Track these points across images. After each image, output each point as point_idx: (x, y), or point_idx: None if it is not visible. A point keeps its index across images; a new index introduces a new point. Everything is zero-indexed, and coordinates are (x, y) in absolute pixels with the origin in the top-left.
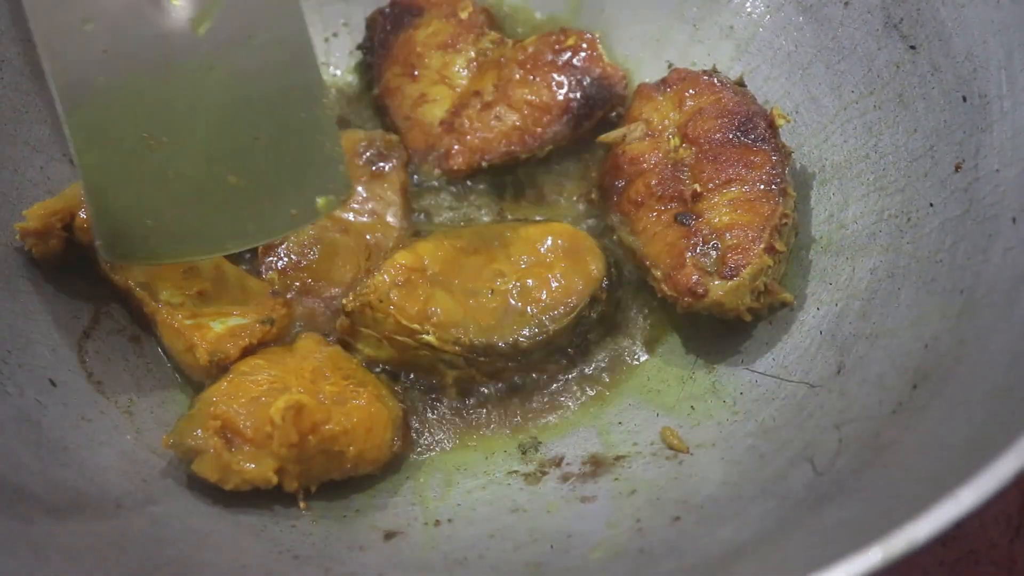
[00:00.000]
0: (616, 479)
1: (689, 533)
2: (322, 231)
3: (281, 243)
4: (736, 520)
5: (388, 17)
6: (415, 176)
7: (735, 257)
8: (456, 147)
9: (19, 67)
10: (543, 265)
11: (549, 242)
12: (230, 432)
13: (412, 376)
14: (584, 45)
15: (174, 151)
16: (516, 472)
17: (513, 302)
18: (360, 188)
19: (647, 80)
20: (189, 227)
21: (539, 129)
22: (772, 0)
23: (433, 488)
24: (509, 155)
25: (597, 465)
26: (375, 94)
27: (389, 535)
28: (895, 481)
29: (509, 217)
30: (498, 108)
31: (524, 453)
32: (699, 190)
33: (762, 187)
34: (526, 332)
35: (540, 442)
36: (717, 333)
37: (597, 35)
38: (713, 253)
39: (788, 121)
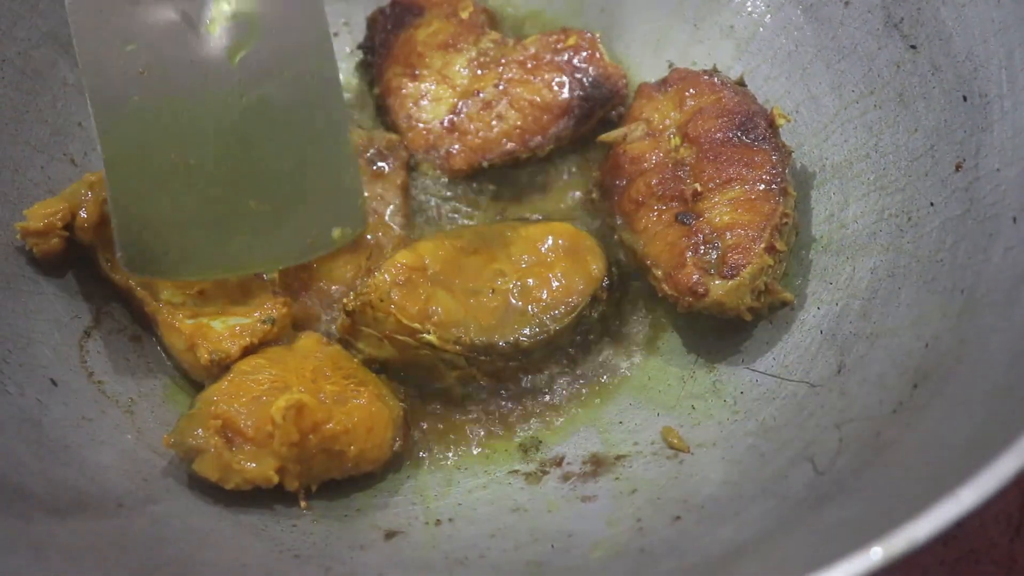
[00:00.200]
0: (617, 478)
1: (690, 532)
2: None
3: None
4: (737, 519)
5: (389, 16)
6: (415, 176)
7: (735, 257)
8: (457, 147)
9: (20, 67)
10: (544, 265)
11: (550, 242)
12: (231, 431)
13: (413, 375)
14: (585, 45)
15: (200, 173)
16: (517, 471)
17: (514, 301)
18: None
19: (647, 80)
20: (208, 247)
21: (540, 129)
22: (772, 0)
23: (434, 487)
24: (510, 155)
25: (598, 465)
26: (376, 93)
27: (390, 534)
28: (896, 480)
29: (510, 217)
30: (499, 108)
31: (525, 452)
32: (700, 189)
33: (762, 186)
34: (527, 331)
35: (541, 441)
36: (718, 333)
37: (598, 35)
38: (714, 252)
39: (788, 121)
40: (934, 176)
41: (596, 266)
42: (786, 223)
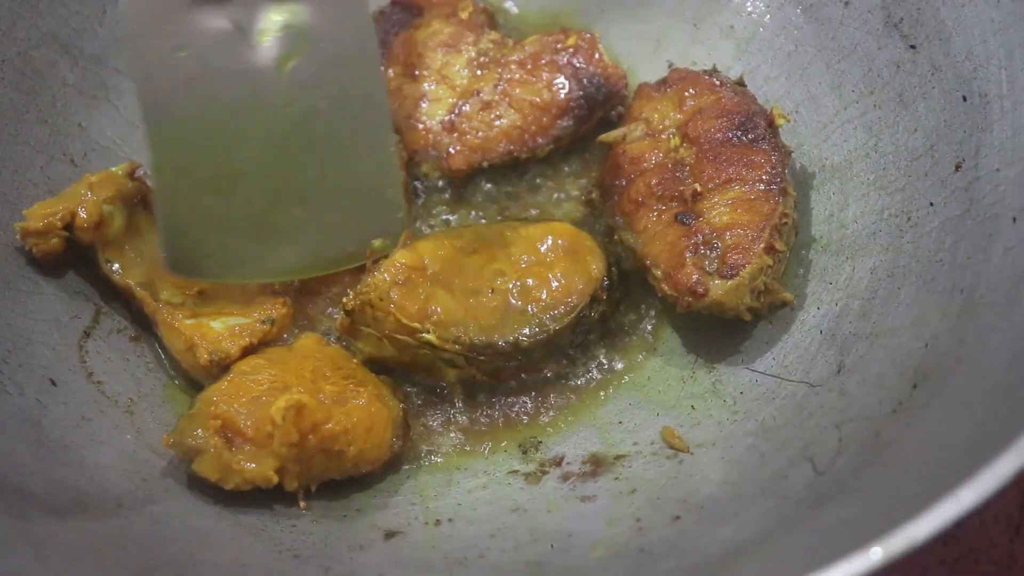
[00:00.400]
0: (616, 478)
1: (689, 532)
2: None
3: None
4: (736, 519)
5: (388, 17)
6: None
7: (735, 257)
8: (456, 147)
9: (20, 67)
10: (543, 264)
11: (549, 241)
12: (230, 431)
13: (412, 375)
14: (584, 45)
15: (245, 179)
16: (516, 472)
17: (513, 301)
18: None
19: (647, 80)
20: (250, 252)
21: (539, 129)
22: (772, 0)
23: (433, 487)
24: (509, 155)
25: (597, 464)
26: None
27: (389, 534)
28: (895, 480)
29: (509, 217)
30: (498, 108)
31: (524, 453)
32: (699, 189)
33: (762, 187)
34: (526, 331)
35: (540, 441)
36: (717, 333)
37: (597, 35)
38: (713, 253)
39: (788, 121)
40: (934, 176)
41: (596, 266)
42: (786, 223)
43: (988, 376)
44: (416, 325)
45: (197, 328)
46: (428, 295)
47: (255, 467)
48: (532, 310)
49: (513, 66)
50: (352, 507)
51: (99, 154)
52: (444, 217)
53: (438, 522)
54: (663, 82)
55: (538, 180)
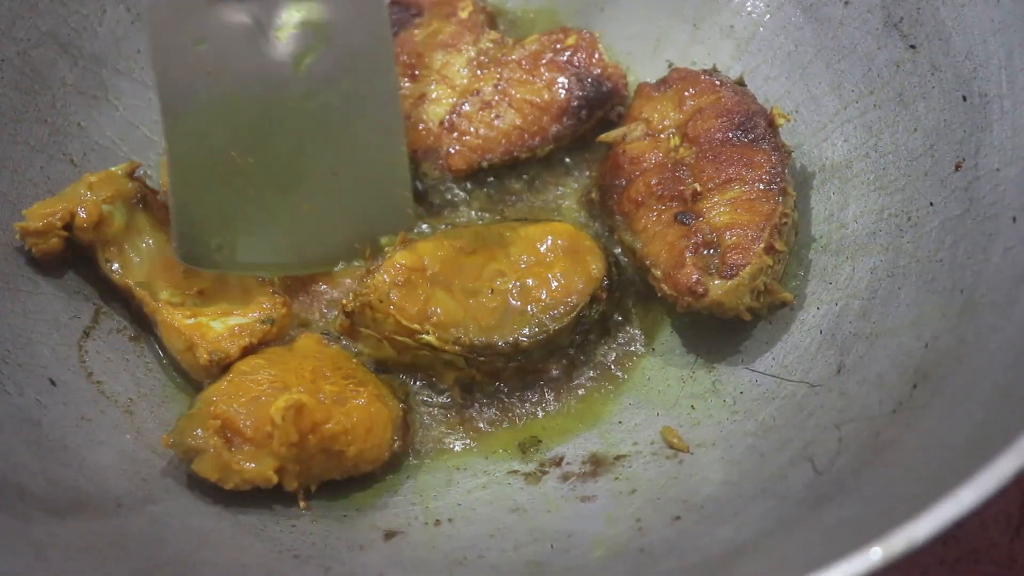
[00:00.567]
0: (616, 478)
1: (689, 532)
2: None
3: None
4: (736, 519)
5: (388, 17)
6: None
7: (735, 256)
8: (456, 147)
9: (19, 66)
10: (543, 265)
11: (549, 241)
12: (230, 431)
13: (412, 376)
14: (584, 44)
15: (257, 171)
16: (516, 472)
17: (513, 301)
18: None
19: (647, 79)
20: (261, 245)
21: (539, 128)
22: (772, 0)
23: (433, 487)
24: (509, 155)
25: (597, 464)
26: None
27: (389, 534)
28: (895, 480)
29: (509, 217)
30: (498, 108)
31: (524, 453)
32: (699, 189)
33: (762, 186)
34: (526, 331)
35: (540, 441)
36: (717, 333)
37: (597, 34)
38: (713, 252)
39: (788, 120)
40: (934, 176)
41: (595, 266)
42: (785, 223)
43: (988, 376)
44: (416, 326)
45: (197, 328)
46: (428, 296)
47: (255, 467)
48: (532, 310)
49: (513, 66)
50: (352, 507)
51: (98, 154)
52: (444, 217)
53: (438, 522)
54: (663, 82)
55: (538, 180)
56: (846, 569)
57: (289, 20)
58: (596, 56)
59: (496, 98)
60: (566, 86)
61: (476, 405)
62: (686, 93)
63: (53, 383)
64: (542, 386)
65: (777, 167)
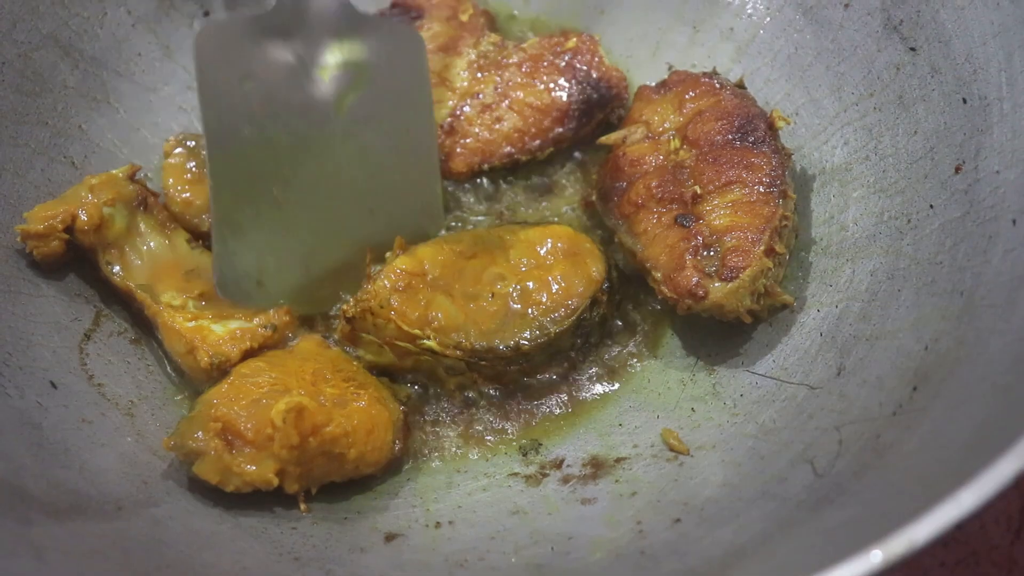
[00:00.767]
0: (617, 481)
1: (690, 535)
2: None
3: None
4: (737, 522)
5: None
6: None
7: (735, 259)
8: (457, 150)
9: (20, 69)
10: (543, 267)
11: (549, 244)
12: (231, 434)
13: (413, 379)
14: (584, 47)
15: (296, 210)
16: (517, 474)
17: (514, 305)
18: None
19: (647, 82)
20: (299, 283)
21: (540, 131)
22: (772, 2)
23: (434, 490)
24: (510, 157)
25: (598, 467)
26: None
27: (390, 537)
28: (895, 483)
29: (509, 220)
30: (499, 110)
31: (525, 455)
32: (699, 192)
33: (762, 189)
34: (527, 335)
35: (541, 444)
36: (717, 335)
37: (597, 37)
38: (713, 255)
39: (788, 123)
40: (934, 178)
41: (596, 268)
42: (786, 226)
43: (988, 378)
44: (417, 332)
45: (198, 331)
46: (428, 301)
47: (255, 469)
48: (532, 313)
49: (513, 69)
50: (352, 509)
51: (99, 156)
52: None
53: (438, 524)
54: (663, 84)
55: (538, 183)
56: (846, 571)
57: (332, 60)
58: (596, 59)
59: (496, 101)
60: (566, 89)
61: (476, 408)
62: (686, 96)
63: (54, 386)
64: (542, 388)
65: (777, 170)
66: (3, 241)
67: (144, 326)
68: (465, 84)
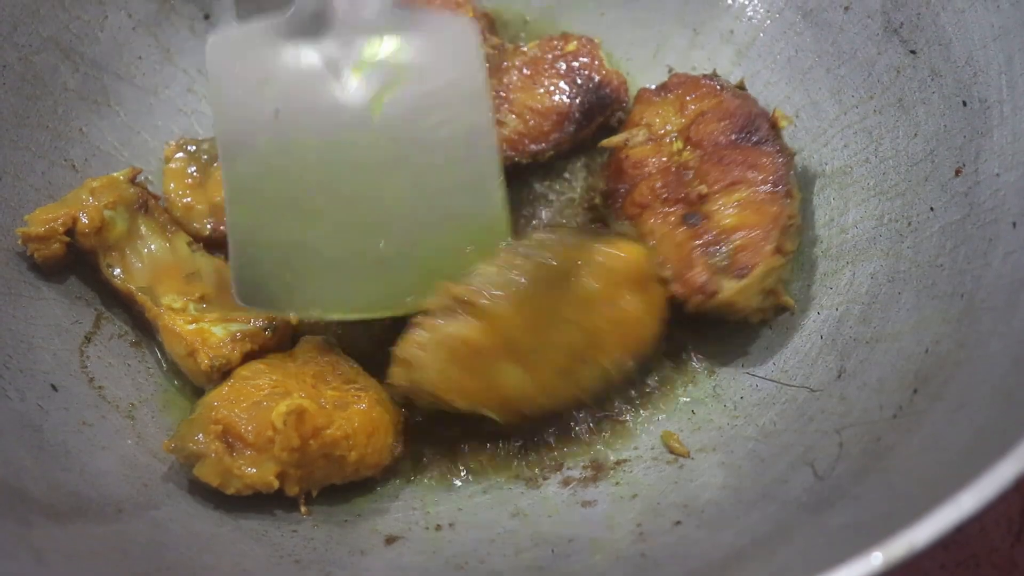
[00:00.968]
0: (617, 483)
1: (690, 537)
2: None
3: None
4: (737, 524)
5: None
6: None
7: (745, 257)
8: None
9: (21, 72)
10: (614, 305)
11: (620, 269)
12: (231, 436)
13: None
14: (584, 50)
15: (326, 215)
16: (517, 476)
17: (580, 360)
18: None
19: (647, 85)
20: (327, 289)
21: (540, 134)
22: (772, 4)
23: (434, 492)
24: (510, 161)
25: (598, 470)
26: None
27: (390, 539)
28: (896, 485)
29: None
30: (499, 114)
31: (525, 458)
32: (705, 192)
33: (768, 188)
34: (588, 386)
35: (541, 446)
36: (718, 337)
37: (597, 40)
38: (723, 253)
39: (790, 122)
40: (934, 181)
41: (661, 306)
42: (792, 224)
43: (988, 381)
44: (475, 408)
45: (198, 333)
46: (492, 372)
47: (256, 472)
48: (599, 362)
49: (514, 72)
50: (353, 512)
51: (100, 159)
52: None
53: (439, 527)
54: (663, 87)
55: (538, 185)
56: (847, 573)
57: (366, 58)
58: (596, 62)
59: (497, 104)
60: (567, 92)
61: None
62: (687, 98)
63: (54, 388)
64: None
65: (782, 169)
66: (4, 244)
67: (145, 329)
68: None
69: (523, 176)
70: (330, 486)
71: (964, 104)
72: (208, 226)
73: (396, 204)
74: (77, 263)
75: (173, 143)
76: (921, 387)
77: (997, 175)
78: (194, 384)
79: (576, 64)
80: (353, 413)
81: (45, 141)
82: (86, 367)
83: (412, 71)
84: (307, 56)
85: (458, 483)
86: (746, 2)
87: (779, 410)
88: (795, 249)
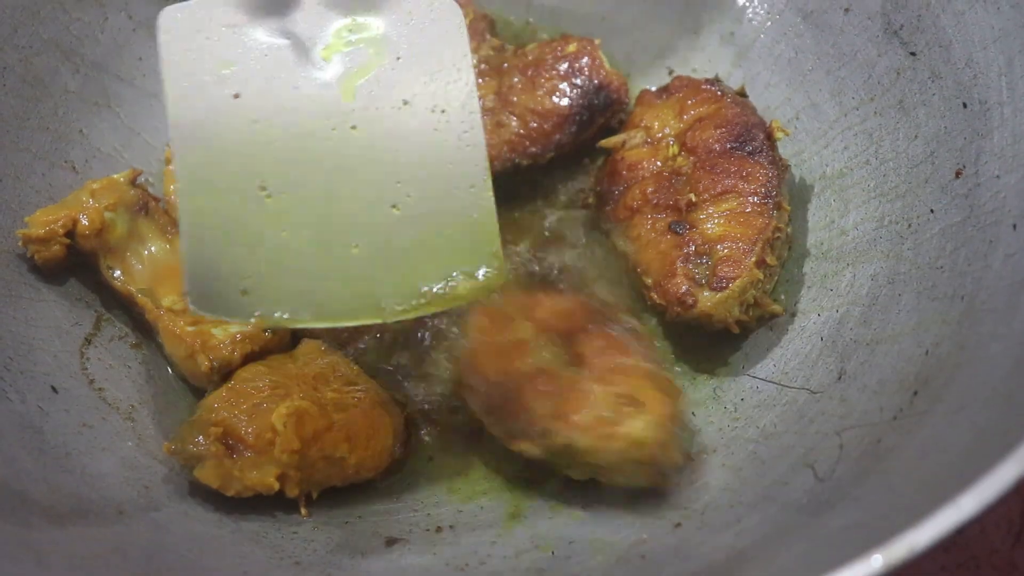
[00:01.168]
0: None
1: (690, 539)
2: None
3: None
4: (737, 526)
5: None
6: None
7: (726, 269)
8: None
9: (21, 74)
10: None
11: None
12: (232, 438)
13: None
14: (585, 52)
15: (291, 208)
16: (517, 477)
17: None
18: None
19: (648, 87)
20: (294, 292)
21: (541, 136)
22: (773, 6)
23: (435, 494)
24: (511, 162)
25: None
26: None
27: (391, 541)
28: (896, 487)
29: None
30: (500, 115)
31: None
32: (694, 199)
33: (757, 200)
34: None
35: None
36: (718, 340)
37: (598, 42)
38: (705, 263)
39: (787, 134)
40: (934, 183)
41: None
42: (779, 237)
43: (989, 383)
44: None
45: (198, 335)
46: None
47: (256, 474)
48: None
49: (514, 73)
50: (353, 514)
51: (100, 161)
52: None
53: (439, 529)
54: (665, 90)
55: (539, 187)
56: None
57: (337, 38)
58: (597, 64)
59: (498, 106)
60: (567, 94)
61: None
62: (688, 102)
63: (55, 390)
64: None
65: (773, 181)
66: (4, 245)
67: (145, 330)
68: None
69: (523, 177)
70: (330, 488)
71: (964, 106)
72: None
73: (370, 200)
74: (77, 265)
75: None
76: (921, 389)
77: (997, 177)
78: (194, 386)
79: (577, 66)
80: (353, 415)
81: (45, 143)
82: (86, 369)
83: (388, 53)
84: (272, 34)
85: (459, 485)
86: (746, 4)
87: (779, 412)
88: (781, 262)
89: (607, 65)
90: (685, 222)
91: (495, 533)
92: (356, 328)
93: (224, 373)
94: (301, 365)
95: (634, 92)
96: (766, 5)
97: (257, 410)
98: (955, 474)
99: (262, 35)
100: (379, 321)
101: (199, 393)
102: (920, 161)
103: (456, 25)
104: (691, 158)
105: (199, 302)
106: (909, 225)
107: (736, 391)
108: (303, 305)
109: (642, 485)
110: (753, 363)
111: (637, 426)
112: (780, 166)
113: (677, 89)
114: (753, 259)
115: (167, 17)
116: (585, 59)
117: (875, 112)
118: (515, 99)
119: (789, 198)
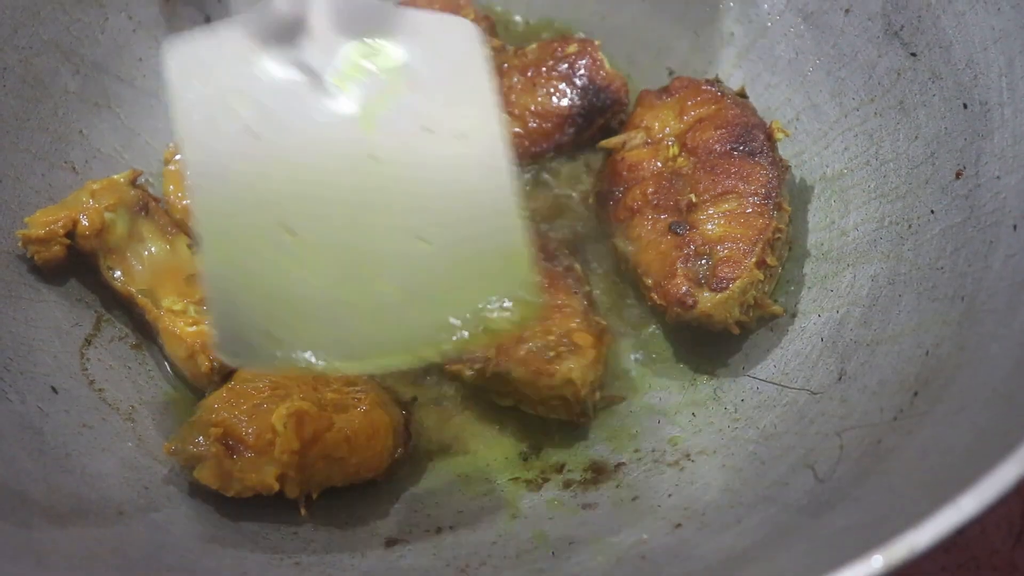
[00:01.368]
0: (618, 486)
1: (691, 540)
2: None
3: None
4: (737, 527)
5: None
6: None
7: (726, 270)
8: None
9: (21, 74)
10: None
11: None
12: (232, 439)
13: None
14: (585, 52)
15: (314, 246)
16: (518, 479)
17: None
18: None
19: (648, 87)
20: (324, 336)
21: (541, 136)
22: (773, 7)
23: (435, 495)
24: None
25: (598, 472)
26: None
27: (391, 542)
28: (896, 488)
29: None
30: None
31: (525, 460)
32: (694, 200)
33: (757, 200)
34: None
35: (541, 449)
36: (718, 340)
37: (598, 42)
38: (704, 265)
39: (787, 135)
40: (934, 183)
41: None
42: (779, 238)
43: (989, 383)
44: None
45: (199, 335)
46: None
47: (256, 474)
48: None
49: (514, 74)
50: (353, 514)
51: (101, 161)
52: None
53: (439, 529)
54: (665, 90)
55: (539, 187)
56: None
57: (351, 66)
58: (597, 64)
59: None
60: (568, 94)
61: (477, 412)
62: (688, 103)
63: (55, 391)
64: None
65: (773, 182)
66: (4, 246)
67: (145, 331)
68: None
69: (523, 177)
70: (330, 488)
71: (965, 107)
72: None
73: (396, 233)
74: (77, 265)
75: (173, 145)
76: (922, 389)
77: (998, 178)
78: (194, 386)
79: (577, 66)
80: (353, 415)
81: (45, 143)
82: (86, 369)
83: (406, 80)
84: (284, 64)
85: (459, 485)
86: (747, 4)
87: (780, 413)
88: (781, 262)
89: (607, 66)
90: (685, 223)
91: (495, 533)
92: None
93: (224, 374)
94: None
95: (634, 92)
96: (766, 6)
97: (257, 411)
98: (955, 475)
99: (273, 66)
100: (411, 363)
101: (199, 394)
102: (920, 162)
103: (474, 47)
104: (691, 159)
105: (231, 355)
106: (909, 226)
107: (736, 392)
108: (334, 348)
109: (560, 418)
110: (753, 364)
111: (571, 367)
112: (780, 167)
113: (677, 90)
114: (753, 260)
115: (173, 51)
116: (585, 59)
117: (875, 113)
118: (515, 99)
119: (789, 199)
